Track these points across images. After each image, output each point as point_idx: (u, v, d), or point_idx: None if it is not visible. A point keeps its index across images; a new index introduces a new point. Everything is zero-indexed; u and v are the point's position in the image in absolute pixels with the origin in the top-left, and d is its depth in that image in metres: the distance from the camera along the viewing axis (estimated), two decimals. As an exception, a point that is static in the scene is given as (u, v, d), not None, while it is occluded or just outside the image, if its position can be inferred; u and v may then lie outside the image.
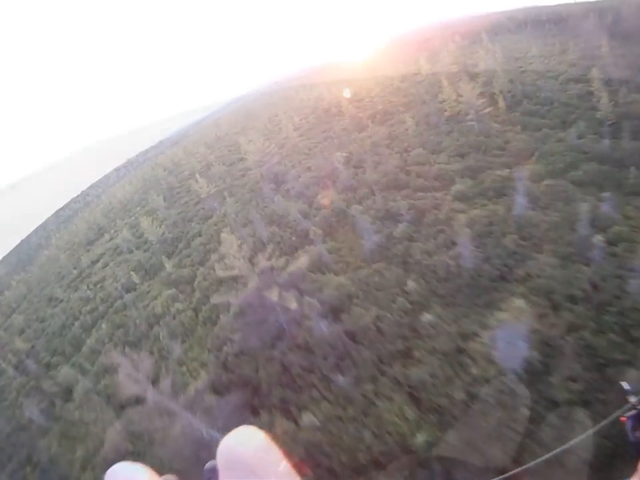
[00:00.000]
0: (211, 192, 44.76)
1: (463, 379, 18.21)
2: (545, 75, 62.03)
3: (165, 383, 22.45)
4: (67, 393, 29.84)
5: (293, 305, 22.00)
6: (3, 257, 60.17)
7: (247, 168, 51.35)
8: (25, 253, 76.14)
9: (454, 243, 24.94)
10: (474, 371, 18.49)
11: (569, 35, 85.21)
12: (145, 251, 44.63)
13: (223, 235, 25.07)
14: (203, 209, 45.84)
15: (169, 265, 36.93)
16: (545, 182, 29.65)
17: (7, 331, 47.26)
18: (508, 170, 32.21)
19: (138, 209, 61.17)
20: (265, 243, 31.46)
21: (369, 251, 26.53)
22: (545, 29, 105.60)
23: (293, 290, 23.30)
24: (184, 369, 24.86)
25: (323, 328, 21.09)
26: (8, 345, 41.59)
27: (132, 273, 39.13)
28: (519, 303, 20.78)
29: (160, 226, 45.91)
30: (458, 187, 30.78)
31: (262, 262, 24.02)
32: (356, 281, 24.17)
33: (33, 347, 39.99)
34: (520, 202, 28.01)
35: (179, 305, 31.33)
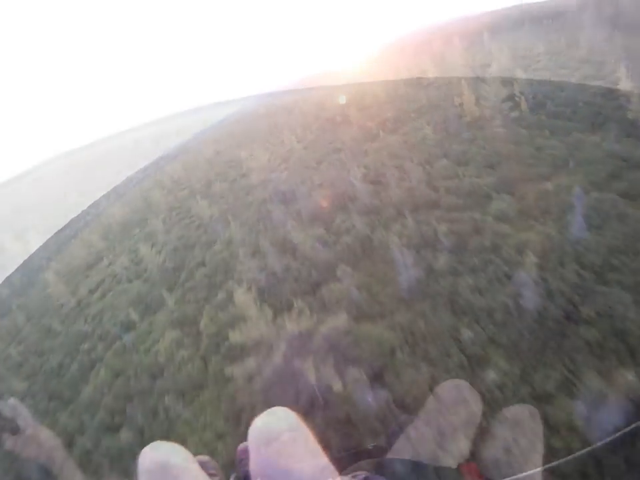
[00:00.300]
0: (213, 214, 40.59)
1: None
2: (558, 73, 58.31)
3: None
4: (66, 447, 25.80)
5: (326, 370, 17.78)
6: (6, 278, 56.32)
7: (251, 186, 47.12)
8: (27, 274, 71.46)
9: (507, 277, 20.77)
10: (555, 443, 14.39)
11: (570, 29, 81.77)
12: (144, 281, 40.34)
13: (237, 295, 20.82)
14: (206, 233, 41.59)
15: (170, 301, 32.72)
16: (592, 196, 25.71)
17: (5, 363, 43.13)
18: (548, 182, 28.23)
19: (137, 230, 56.62)
20: (281, 278, 27.15)
21: (406, 288, 22.22)
22: (543, 25, 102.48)
23: (325, 351, 19.04)
24: (195, 438, 20.47)
25: (366, 397, 16.79)
26: (5, 380, 37.71)
27: (130, 309, 34.83)
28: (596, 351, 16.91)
29: (160, 252, 41.84)
30: (496, 204, 26.70)
31: (287, 324, 19.74)
32: (398, 330, 19.85)
33: (30, 386, 35.83)
34: (572, 222, 23.88)
35: (184, 353, 27.05)
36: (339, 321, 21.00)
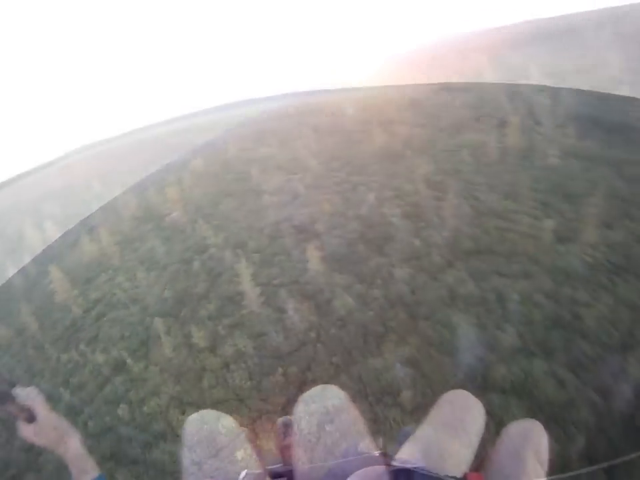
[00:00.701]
0: (219, 240, 35.23)
1: None
2: (593, 94, 52.98)
3: None
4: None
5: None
6: (12, 276, 51.50)
7: (264, 208, 41.67)
8: (32, 278, 66.51)
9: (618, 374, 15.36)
10: None
11: (590, 47, 77.46)
12: (141, 310, 34.55)
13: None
14: (211, 260, 36.10)
15: (168, 345, 27.19)
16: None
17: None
18: (631, 235, 22.86)
19: (137, 244, 50.72)
20: (302, 340, 21.69)
21: (467, 372, 16.68)
22: (559, 41, 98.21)
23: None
24: None
25: None
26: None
27: (123, 351, 29.30)
28: None
29: (158, 278, 36.28)
30: (570, 261, 21.19)
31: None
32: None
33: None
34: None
35: (184, 420, 21.47)
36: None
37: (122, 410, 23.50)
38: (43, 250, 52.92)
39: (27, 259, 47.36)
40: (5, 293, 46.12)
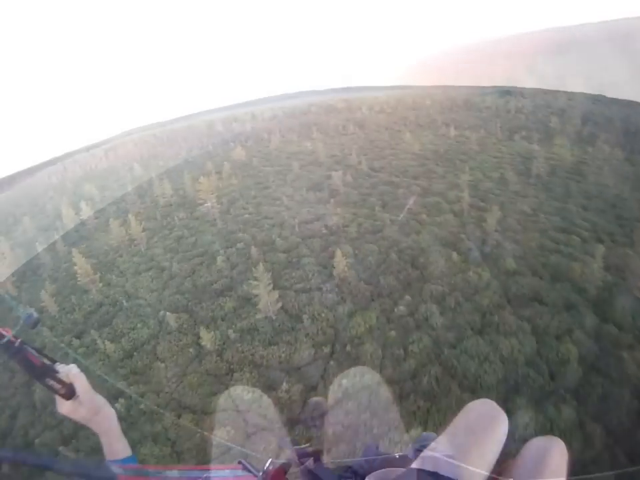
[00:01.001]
0: (247, 236, 33.95)
1: None
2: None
3: None
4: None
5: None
6: (40, 252, 51.47)
7: (298, 204, 39.97)
8: (59, 256, 64.92)
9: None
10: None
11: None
12: (158, 301, 32.99)
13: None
14: (236, 256, 35.17)
15: (176, 343, 26.07)
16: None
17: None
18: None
19: (166, 232, 48.74)
20: (314, 355, 20.01)
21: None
22: (602, 49, 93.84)
23: None
24: None
25: None
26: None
27: (131, 343, 28.51)
28: None
29: (180, 270, 35.27)
30: (617, 295, 18.60)
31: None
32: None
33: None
34: None
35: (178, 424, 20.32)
36: None
37: (120, 405, 22.42)
38: (75, 229, 52.84)
39: (57, 237, 47.24)
40: (31, 270, 46.34)
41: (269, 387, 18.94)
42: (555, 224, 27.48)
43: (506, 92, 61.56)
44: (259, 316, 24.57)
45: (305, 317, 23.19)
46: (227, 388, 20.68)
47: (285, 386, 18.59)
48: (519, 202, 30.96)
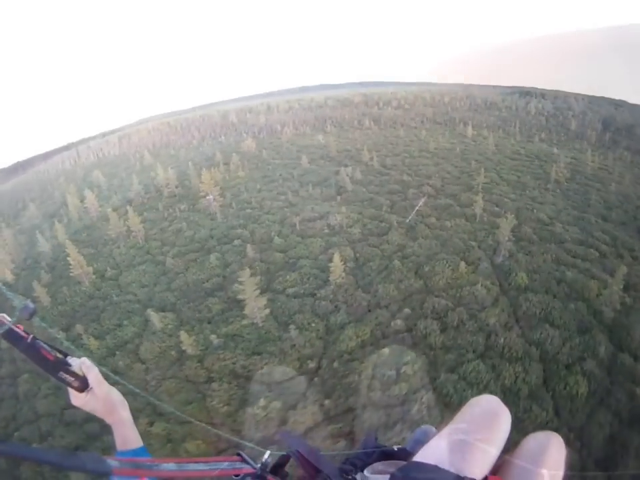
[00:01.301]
0: (246, 232, 32.59)
1: None
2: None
3: None
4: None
5: None
6: (29, 249, 50.83)
7: (302, 200, 38.30)
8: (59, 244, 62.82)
9: None
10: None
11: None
12: (147, 298, 31.87)
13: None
14: (231, 253, 33.94)
15: (158, 344, 24.88)
16: None
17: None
18: None
19: (166, 224, 47.10)
20: (298, 368, 18.54)
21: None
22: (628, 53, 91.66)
23: None
24: None
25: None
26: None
27: (115, 341, 27.40)
28: None
29: (173, 265, 34.21)
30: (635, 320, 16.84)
31: None
32: None
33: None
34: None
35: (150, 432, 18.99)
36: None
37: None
38: (79, 217, 52.13)
39: (59, 226, 46.37)
40: (32, 258, 45.62)
41: (246, 402, 17.59)
42: (573, 235, 25.54)
43: (527, 93, 59.80)
44: (244, 322, 23.06)
45: (292, 326, 21.64)
46: (203, 397, 19.43)
47: (262, 402, 17.17)
48: (536, 208, 29.07)
